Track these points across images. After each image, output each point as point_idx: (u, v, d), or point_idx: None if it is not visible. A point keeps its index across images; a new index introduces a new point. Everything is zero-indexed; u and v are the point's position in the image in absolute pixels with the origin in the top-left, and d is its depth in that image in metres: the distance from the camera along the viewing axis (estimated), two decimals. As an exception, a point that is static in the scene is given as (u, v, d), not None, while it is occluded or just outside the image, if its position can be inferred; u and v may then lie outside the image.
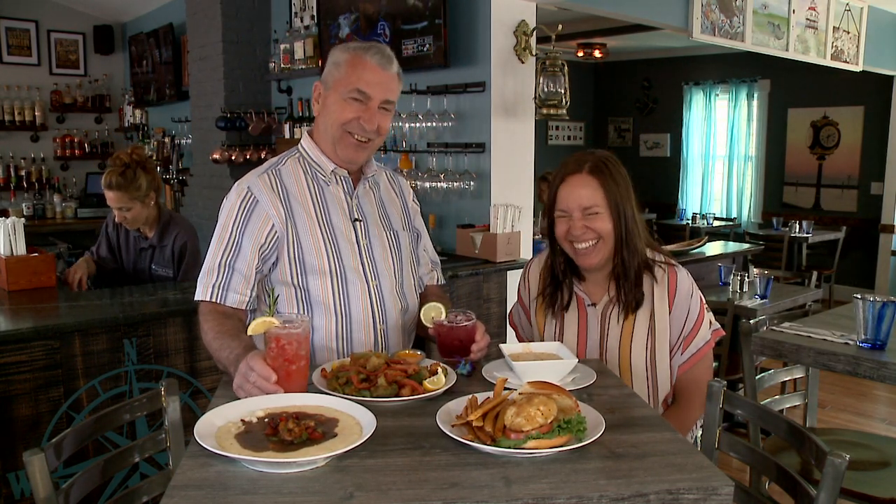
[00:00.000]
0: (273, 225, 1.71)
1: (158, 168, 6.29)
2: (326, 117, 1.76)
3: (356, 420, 1.25)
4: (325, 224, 1.75)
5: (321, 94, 1.79)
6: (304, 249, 1.72)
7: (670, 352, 1.80)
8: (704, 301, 1.84)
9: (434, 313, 1.69)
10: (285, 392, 1.36)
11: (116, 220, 3.08)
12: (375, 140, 1.78)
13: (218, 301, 1.70)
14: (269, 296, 1.55)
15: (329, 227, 1.75)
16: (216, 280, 1.70)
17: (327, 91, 1.77)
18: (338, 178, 1.81)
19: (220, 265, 1.71)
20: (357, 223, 1.80)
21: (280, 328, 1.40)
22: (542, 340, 1.89)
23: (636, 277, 1.79)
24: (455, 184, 3.81)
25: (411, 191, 2.02)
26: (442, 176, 3.85)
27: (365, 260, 1.78)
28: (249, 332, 1.47)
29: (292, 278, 1.73)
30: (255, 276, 1.73)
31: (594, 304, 1.84)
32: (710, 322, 1.84)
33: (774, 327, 2.31)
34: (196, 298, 1.74)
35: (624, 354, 1.79)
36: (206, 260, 1.74)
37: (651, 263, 1.81)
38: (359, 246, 1.78)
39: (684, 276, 1.81)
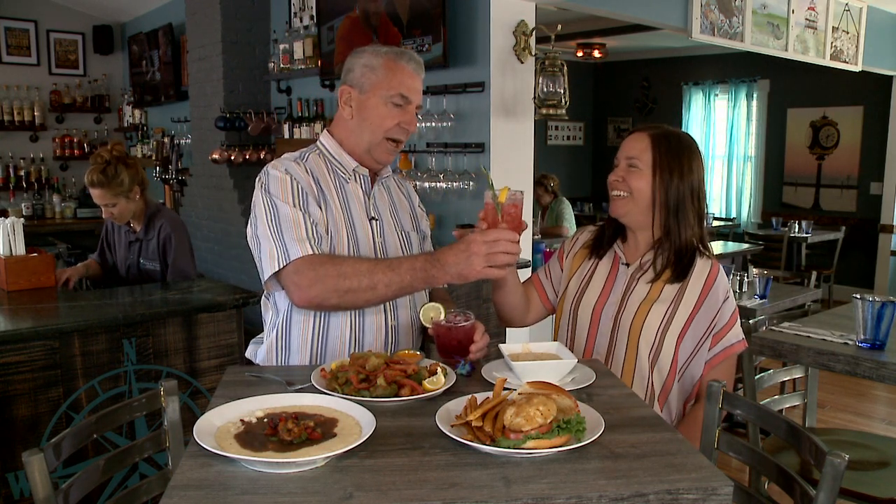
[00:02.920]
0: (316, 202, 1.73)
1: (158, 168, 6.30)
2: (365, 121, 1.77)
3: (355, 420, 1.25)
4: (347, 218, 1.78)
5: (352, 97, 1.79)
6: (332, 236, 1.73)
7: (698, 342, 1.79)
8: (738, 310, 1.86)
9: (433, 313, 1.69)
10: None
11: (104, 216, 3.10)
12: (404, 141, 1.83)
13: (318, 252, 1.64)
14: (487, 175, 1.69)
15: (350, 222, 1.78)
16: (308, 235, 1.64)
17: (363, 95, 1.77)
18: (357, 176, 1.83)
19: (305, 223, 1.65)
20: (373, 221, 1.83)
21: (516, 194, 1.61)
22: (569, 285, 1.95)
23: (681, 249, 1.81)
24: (454, 184, 3.81)
25: (417, 196, 2.05)
26: (441, 176, 3.86)
27: (379, 257, 1.80)
28: (501, 200, 1.59)
29: None
30: (327, 234, 1.71)
31: (628, 264, 1.89)
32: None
33: (774, 327, 2.31)
34: (292, 258, 1.62)
35: (640, 316, 1.80)
36: (281, 223, 1.66)
37: (698, 249, 1.84)
38: (374, 244, 1.80)
39: (724, 276, 1.84)
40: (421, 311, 1.72)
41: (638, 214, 1.84)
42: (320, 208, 1.72)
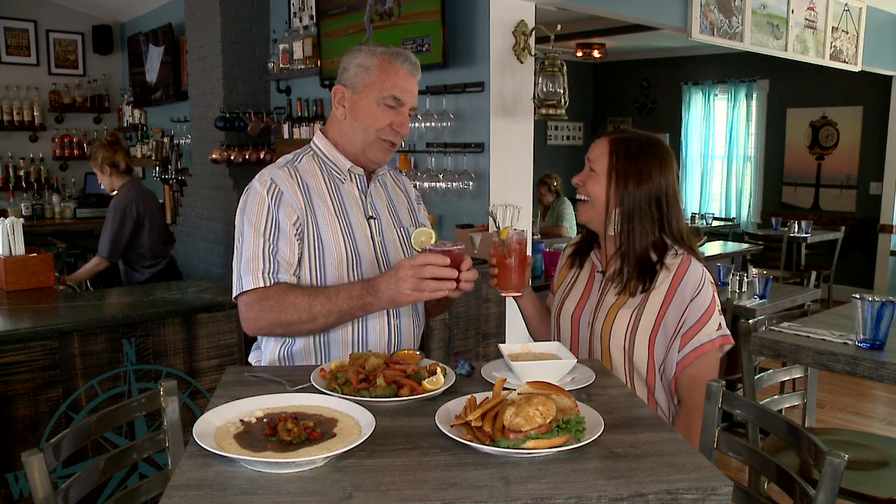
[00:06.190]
0: (298, 217, 1.73)
1: (157, 168, 6.31)
2: (357, 121, 1.77)
3: (355, 420, 1.25)
4: (343, 221, 1.77)
5: (346, 97, 1.78)
6: (324, 245, 1.73)
7: (668, 342, 1.78)
8: (717, 303, 1.79)
9: (424, 237, 1.68)
10: (509, 286, 1.82)
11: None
12: (398, 143, 1.83)
13: (270, 284, 1.69)
14: (494, 218, 1.81)
15: (347, 224, 1.77)
16: (264, 267, 1.68)
17: (356, 95, 1.76)
18: (353, 175, 1.82)
19: (264, 252, 1.69)
20: (371, 220, 1.82)
21: (520, 232, 1.79)
22: (556, 296, 1.99)
23: (639, 259, 1.80)
24: (454, 184, 3.81)
25: (414, 189, 2.05)
26: (441, 176, 3.86)
27: (380, 256, 1.80)
28: (502, 238, 1.79)
29: (311, 273, 1.74)
30: (296, 260, 1.72)
31: (602, 273, 1.91)
32: (720, 325, 1.78)
33: (773, 327, 2.31)
34: (244, 289, 1.69)
35: (609, 321, 1.82)
36: (243, 250, 1.71)
37: (665, 248, 1.81)
38: (373, 242, 1.80)
39: (697, 269, 1.79)
40: (413, 235, 1.72)
41: (599, 221, 1.86)
42: (304, 223, 1.72)
